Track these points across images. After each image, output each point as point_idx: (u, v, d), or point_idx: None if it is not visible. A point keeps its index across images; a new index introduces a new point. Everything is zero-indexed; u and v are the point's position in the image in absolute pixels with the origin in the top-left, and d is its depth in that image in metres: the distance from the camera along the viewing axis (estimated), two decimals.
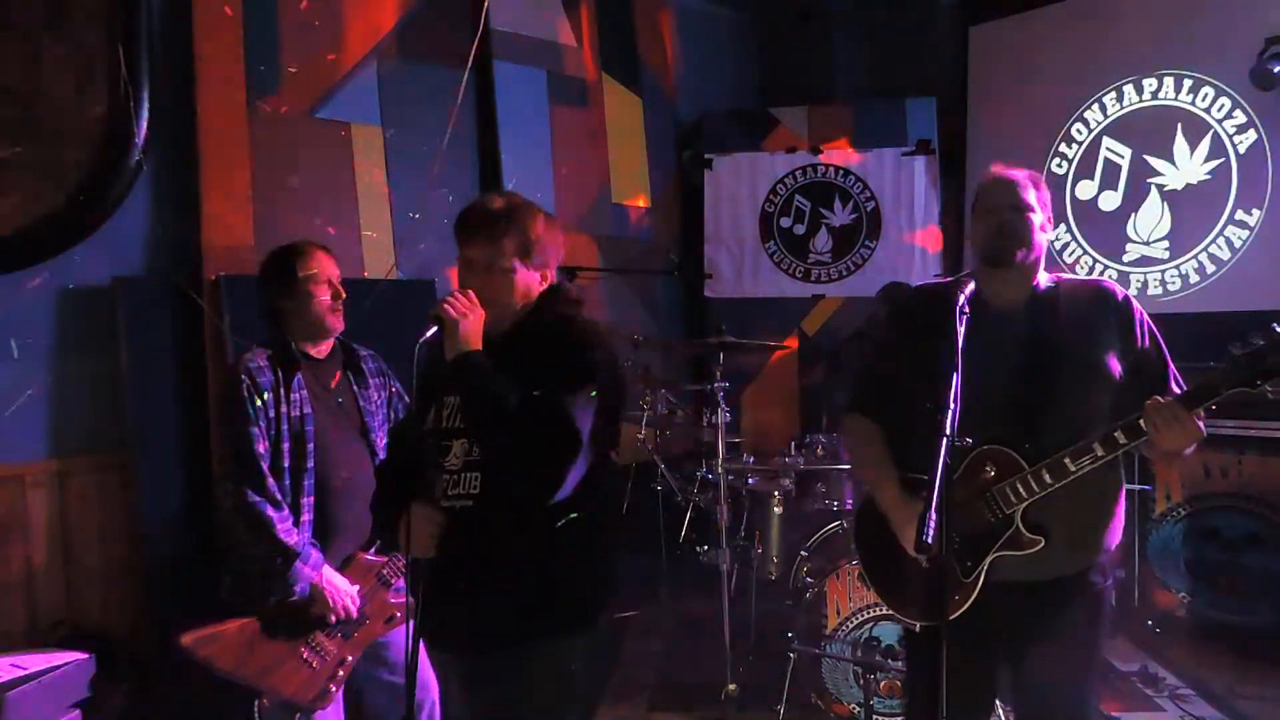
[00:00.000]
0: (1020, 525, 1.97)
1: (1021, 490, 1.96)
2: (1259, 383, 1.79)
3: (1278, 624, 3.89)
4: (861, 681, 3.10)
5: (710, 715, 3.45)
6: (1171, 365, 2.07)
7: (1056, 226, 4.99)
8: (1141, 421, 1.85)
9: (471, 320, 1.85)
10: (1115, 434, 1.88)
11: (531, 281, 1.95)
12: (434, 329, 1.84)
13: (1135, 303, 2.08)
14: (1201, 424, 1.84)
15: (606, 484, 1.95)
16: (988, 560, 2.00)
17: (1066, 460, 1.91)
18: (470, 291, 1.88)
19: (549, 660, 1.87)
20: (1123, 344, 2.03)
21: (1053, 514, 1.97)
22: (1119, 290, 2.09)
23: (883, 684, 3.06)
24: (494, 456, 1.85)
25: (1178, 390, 2.02)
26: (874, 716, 3.07)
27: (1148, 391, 1.98)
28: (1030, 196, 2.06)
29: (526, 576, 1.84)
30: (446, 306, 1.84)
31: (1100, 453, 1.89)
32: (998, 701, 2.87)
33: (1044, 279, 2.11)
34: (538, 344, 1.90)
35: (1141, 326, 2.05)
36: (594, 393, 1.82)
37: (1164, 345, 2.07)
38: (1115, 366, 2.00)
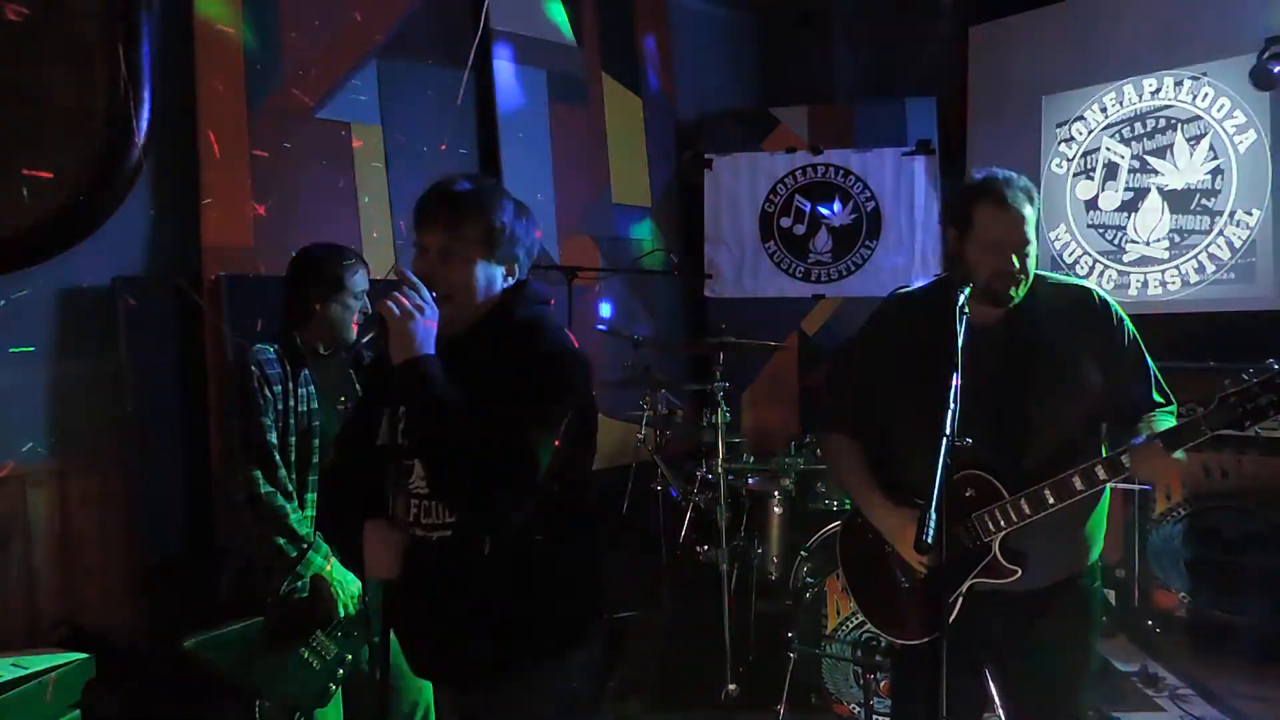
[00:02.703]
0: (998, 554, 1.95)
1: (1000, 520, 1.93)
2: (1248, 424, 1.75)
3: (1278, 624, 3.88)
4: (861, 681, 3.10)
5: (710, 715, 3.45)
6: (1152, 371, 2.02)
7: (1055, 226, 5.03)
8: (1124, 459, 1.83)
9: (421, 320, 1.61)
10: (1096, 469, 1.86)
11: (494, 277, 1.74)
12: (372, 331, 1.65)
13: (1115, 306, 2.03)
14: (1181, 454, 1.81)
15: (584, 500, 1.83)
16: (965, 585, 1.97)
17: (1047, 493, 1.89)
18: (421, 286, 1.65)
19: (548, 682, 1.77)
20: (1102, 350, 1.98)
21: (1031, 541, 1.95)
22: (1098, 293, 2.03)
23: (883, 684, 3.06)
24: (438, 479, 1.66)
25: (1158, 398, 2.00)
26: (874, 716, 3.08)
27: (1127, 398, 1.97)
28: (1032, 226, 1.96)
29: (516, 602, 1.71)
30: (390, 303, 1.61)
31: (1080, 486, 1.87)
32: (998, 703, 2.88)
33: None
34: (500, 351, 1.70)
35: (1122, 331, 2.00)
36: (562, 409, 1.66)
37: (1144, 349, 2.02)
38: (1095, 374, 1.97)
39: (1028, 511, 1.90)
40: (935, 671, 1.73)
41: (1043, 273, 2.07)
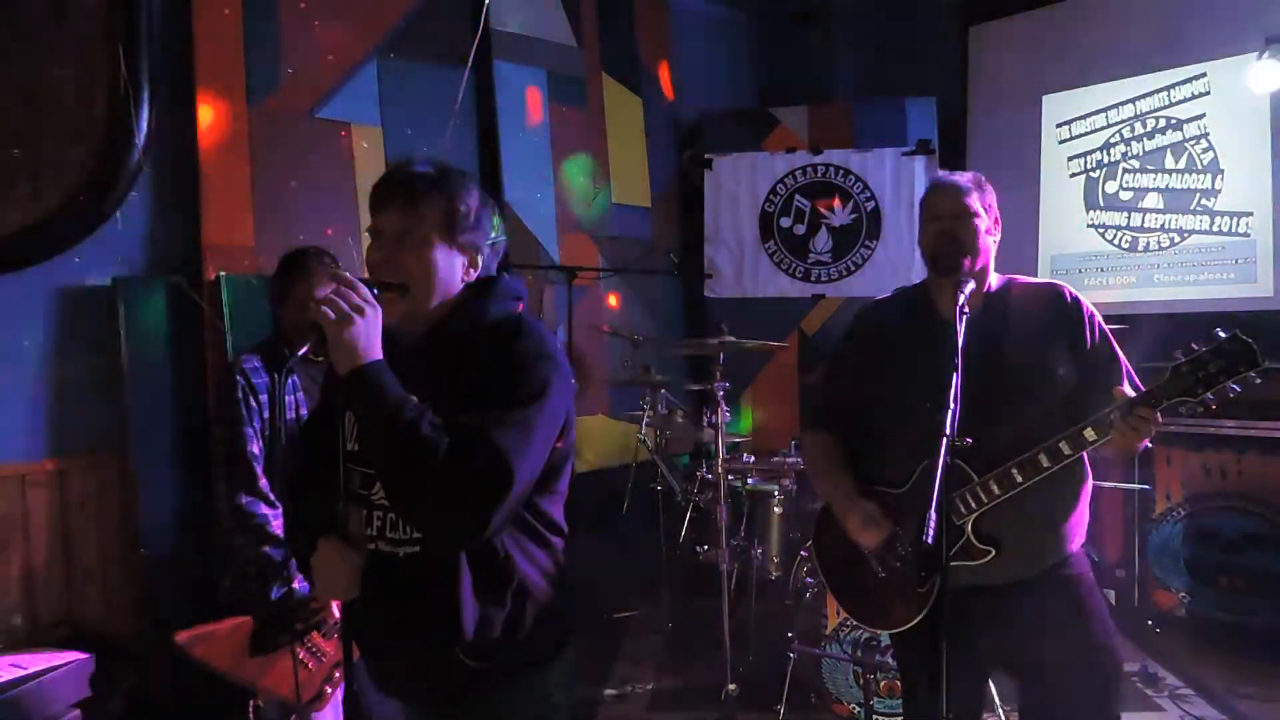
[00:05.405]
0: (971, 536, 1.97)
1: (971, 501, 1.96)
2: (1200, 390, 1.77)
3: (1278, 624, 3.88)
4: (861, 681, 3.10)
5: (710, 715, 3.45)
6: (1125, 365, 2.05)
7: (1055, 226, 5.03)
8: (1089, 431, 1.85)
9: (361, 323, 1.42)
10: (1061, 445, 1.88)
11: (454, 266, 1.57)
12: (310, 341, 1.45)
13: (1086, 303, 2.07)
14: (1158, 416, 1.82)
15: (558, 514, 1.68)
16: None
17: (1014, 472, 1.92)
18: (359, 285, 1.45)
19: (526, 696, 1.64)
20: (1072, 345, 2.02)
21: (1004, 523, 1.96)
22: (1069, 291, 2.08)
23: (883, 684, 3.06)
24: (396, 497, 1.47)
25: (1131, 391, 1.99)
26: (874, 716, 3.07)
27: (1099, 392, 1.97)
28: (974, 201, 2.06)
29: (490, 618, 1.55)
30: (325, 308, 1.41)
31: (1046, 464, 1.90)
32: (999, 702, 2.88)
33: (994, 281, 2.11)
34: (472, 351, 1.53)
35: (1091, 326, 2.04)
36: (542, 417, 1.48)
37: (1116, 345, 2.05)
38: (1066, 368, 2.00)
39: (997, 491, 1.93)
40: (935, 668, 1.73)
41: (1017, 276, 2.15)
